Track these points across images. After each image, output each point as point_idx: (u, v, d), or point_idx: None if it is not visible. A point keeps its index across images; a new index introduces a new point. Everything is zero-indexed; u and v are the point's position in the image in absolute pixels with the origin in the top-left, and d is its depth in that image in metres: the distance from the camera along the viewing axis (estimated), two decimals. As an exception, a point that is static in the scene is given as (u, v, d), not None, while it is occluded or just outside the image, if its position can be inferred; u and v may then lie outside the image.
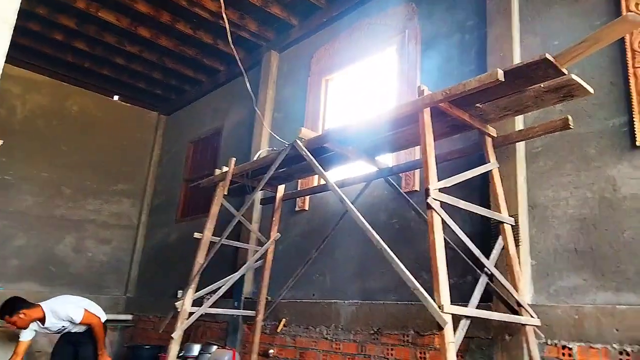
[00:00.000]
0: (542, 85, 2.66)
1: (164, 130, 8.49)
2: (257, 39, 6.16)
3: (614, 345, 2.59)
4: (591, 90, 2.69)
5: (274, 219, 4.70)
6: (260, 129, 5.70)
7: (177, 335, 4.02)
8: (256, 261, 4.61)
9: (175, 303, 4.12)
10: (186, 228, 6.66)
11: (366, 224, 2.87)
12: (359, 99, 5.02)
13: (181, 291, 4.62)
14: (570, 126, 2.91)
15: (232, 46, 4.14)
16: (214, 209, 4.44)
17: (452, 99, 2.72)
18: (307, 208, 4.97)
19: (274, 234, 4.61)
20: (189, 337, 5.51)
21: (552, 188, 3.13)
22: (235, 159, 4.45)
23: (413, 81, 4.18)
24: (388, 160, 4.13)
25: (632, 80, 2.88)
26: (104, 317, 4.70)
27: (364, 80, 5.03)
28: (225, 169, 4.48)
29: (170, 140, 8.25)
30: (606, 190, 2.88)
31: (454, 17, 4.14)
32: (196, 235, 4.42)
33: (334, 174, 4.54)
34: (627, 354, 2.54)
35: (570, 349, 2.75)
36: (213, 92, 7.42)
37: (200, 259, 4.26)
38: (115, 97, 8.12)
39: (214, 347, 4.80)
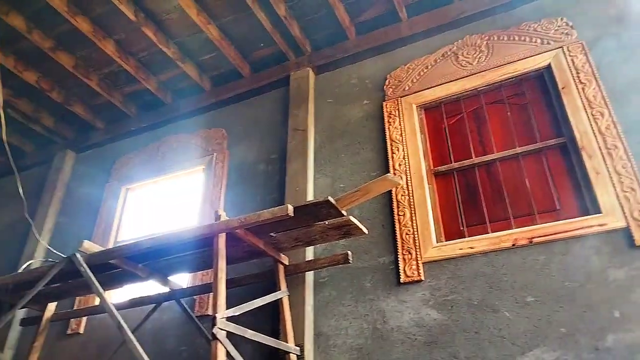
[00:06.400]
0: (326, 223, 2.96)
1: None
2: (51, 135, 5.61)
3: None
4: (365, 230, 3.09)
5: (34, 344, 3.85)
6: (34, 235, 4.92)
7: None
8: (-1, 402, 3.64)
9: None
10: None
11: (144, 356, 2.56)
12: (162, 214, 4.82)
13: None
14: (350, 261, 3.23)
15: (4, 136, 3.66)
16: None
17: (248, 226, 2.80)
18: (81, 331, 4.27)
19: (30, 366, 3.76)
20: None
21: (335, 317, 3.33)
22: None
23: (216, 202, 4.24)
24: (184, 280, 3.93)
25: (397, 225, 3.42)
26: None
27: (169, 195, 4.90)
28: (-25, 280, 3.63)
29: None
30: (378, 322, 3.18)
31: (260, 148, 4.46)
32: None
33: (123, 293, 4.10)
34: None
35: None
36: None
37: None
38: None
39: None
